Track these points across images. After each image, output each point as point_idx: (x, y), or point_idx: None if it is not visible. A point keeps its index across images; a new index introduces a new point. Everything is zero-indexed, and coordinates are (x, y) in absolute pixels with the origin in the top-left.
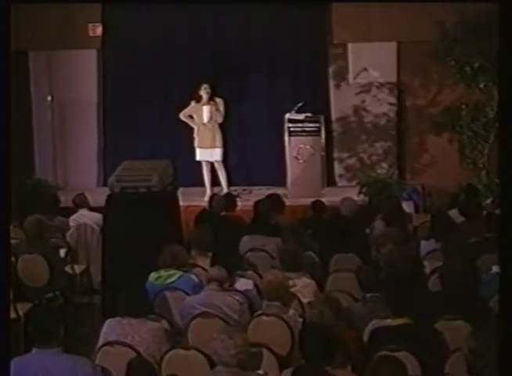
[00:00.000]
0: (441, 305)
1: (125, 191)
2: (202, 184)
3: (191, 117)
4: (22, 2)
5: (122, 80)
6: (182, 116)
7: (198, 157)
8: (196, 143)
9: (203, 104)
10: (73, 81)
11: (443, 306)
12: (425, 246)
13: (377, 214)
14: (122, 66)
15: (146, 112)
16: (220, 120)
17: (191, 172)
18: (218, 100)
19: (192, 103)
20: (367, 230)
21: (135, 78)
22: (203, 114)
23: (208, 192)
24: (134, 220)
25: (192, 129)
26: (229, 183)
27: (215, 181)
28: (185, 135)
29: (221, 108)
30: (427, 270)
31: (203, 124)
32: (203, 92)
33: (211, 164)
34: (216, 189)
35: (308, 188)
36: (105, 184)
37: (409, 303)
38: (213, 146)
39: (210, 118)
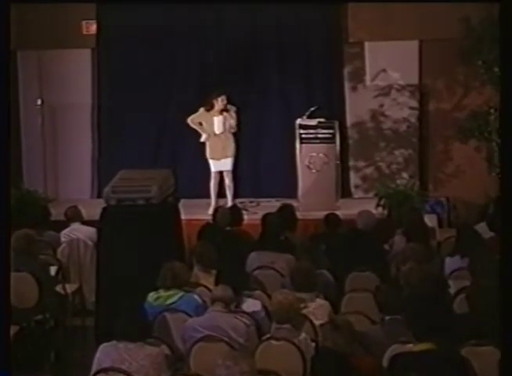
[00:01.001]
0: (467, 329)
1: (122, 203)
2: (205, 195)
3: (200, 123)
4: (22, 2)
5: (119, 82)
6: (191, 121)
7: (212, 169)
8: (207, 154)
9: (215, 114)
10: (66, 83)
11: (470, 330)
12: (450, 264)
13: (397, 228)
14: (119, 67)
15: (144, 117)
16: (234, 129)
17: (193, 183)
18: (232, 109)
19: (202, 110)
20: (386, 246)
21: (132, 80)
22: (214, 124)
23: (213, 204)
24: (131, 235)
25: (195, 136)
26: (235, 195)
27: (220, 192)
28: (187, 143)
29: (235, 117)
30: (453, 290)
31: (215, 134)
32: (219, 104)
33: (220, 175)
34: (221, 202)
35: (321, 200)
36: (99, 196)
37: (433, 326)
38: (224, 156)
39: (224, 130)
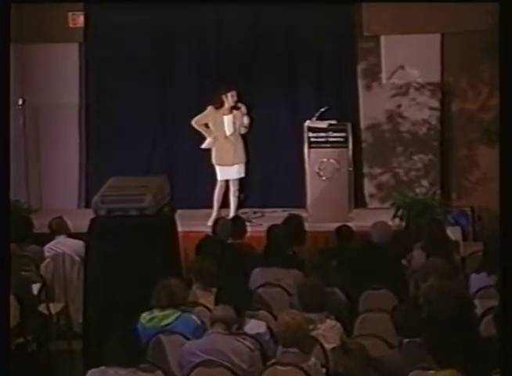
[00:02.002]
0: (495, 354)
1: (112, 214)
2: (205, 205)
3: (206, 125)
4: (22, 2)
5: (109, 80)
6: (195, 123)
7: (219, 177)
8: (214, 160)
9: (225, 113)
10: (50, 81)
11: (498, 355)
12: (475, 281)
13: (416, 242)
14: (109, 64)
15: (137, 119)
16: (243, 131)
17: (192, 191)
18: (242, 107)
19: (210, 109)
20: (404, 262)
21: (124, 78)
22: (224, 124)
23: (214, 215)
24: (122, 249)
25: (193, 140)
26: (238, 205)
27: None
28: (185, 147)
29: (247, 117)
30: (479, 311)
31: (225, 136)
32: (229, 100)
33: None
34: (222, 212)
35: (333, 210)
36: (87, 205)
37: (457, 351)
38: (235, 162)
39: (234, 130)
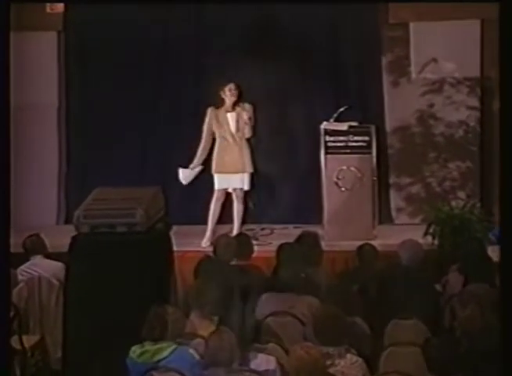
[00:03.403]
0: None
1: (97, 231)
2: (205, 221)
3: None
4: (22, 2)
5: (93, 76)
6: (207, 130)
7: (217, 185)
8: (213, 166)
9: (228, 109)
10: (24, 78)
11: None
12: None
13: (452, 264)
14: (93, 57)
15: (125, 121)
16: (248, 134)
17: (189, 204)
18: (247, 106)
19: (210, 111)
20: (438, 287)
21: (111, 74)
22: (228, 123)
23: (209, 233)
24: (109, 272)
25: (190, 146)
26: (243, 220)
27: (222, 217)
28: (180, 154)
29: (251, 117)
30: None
31: (228, 138)
32: (228, 96)
33: (226, 194)
34: (225, 229)
35: (353, 227)
36: (68, 221)
37: None
38: (237, 171)
39: (238, 130)
